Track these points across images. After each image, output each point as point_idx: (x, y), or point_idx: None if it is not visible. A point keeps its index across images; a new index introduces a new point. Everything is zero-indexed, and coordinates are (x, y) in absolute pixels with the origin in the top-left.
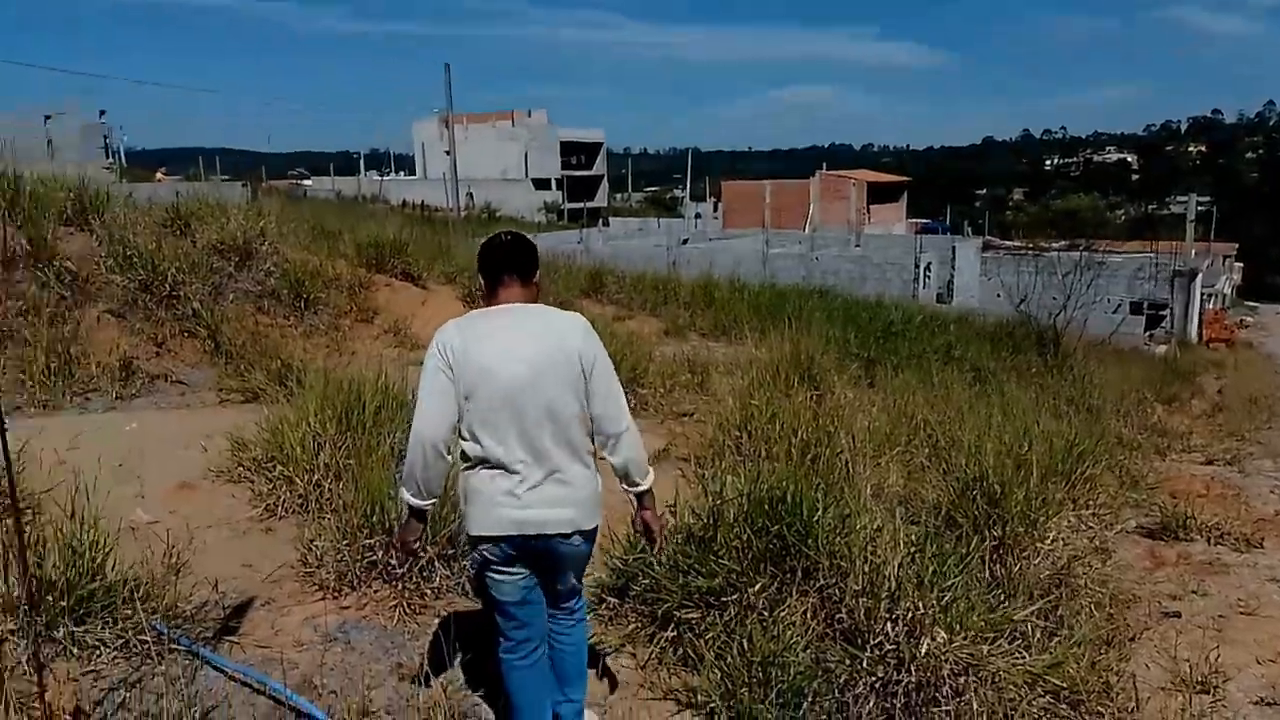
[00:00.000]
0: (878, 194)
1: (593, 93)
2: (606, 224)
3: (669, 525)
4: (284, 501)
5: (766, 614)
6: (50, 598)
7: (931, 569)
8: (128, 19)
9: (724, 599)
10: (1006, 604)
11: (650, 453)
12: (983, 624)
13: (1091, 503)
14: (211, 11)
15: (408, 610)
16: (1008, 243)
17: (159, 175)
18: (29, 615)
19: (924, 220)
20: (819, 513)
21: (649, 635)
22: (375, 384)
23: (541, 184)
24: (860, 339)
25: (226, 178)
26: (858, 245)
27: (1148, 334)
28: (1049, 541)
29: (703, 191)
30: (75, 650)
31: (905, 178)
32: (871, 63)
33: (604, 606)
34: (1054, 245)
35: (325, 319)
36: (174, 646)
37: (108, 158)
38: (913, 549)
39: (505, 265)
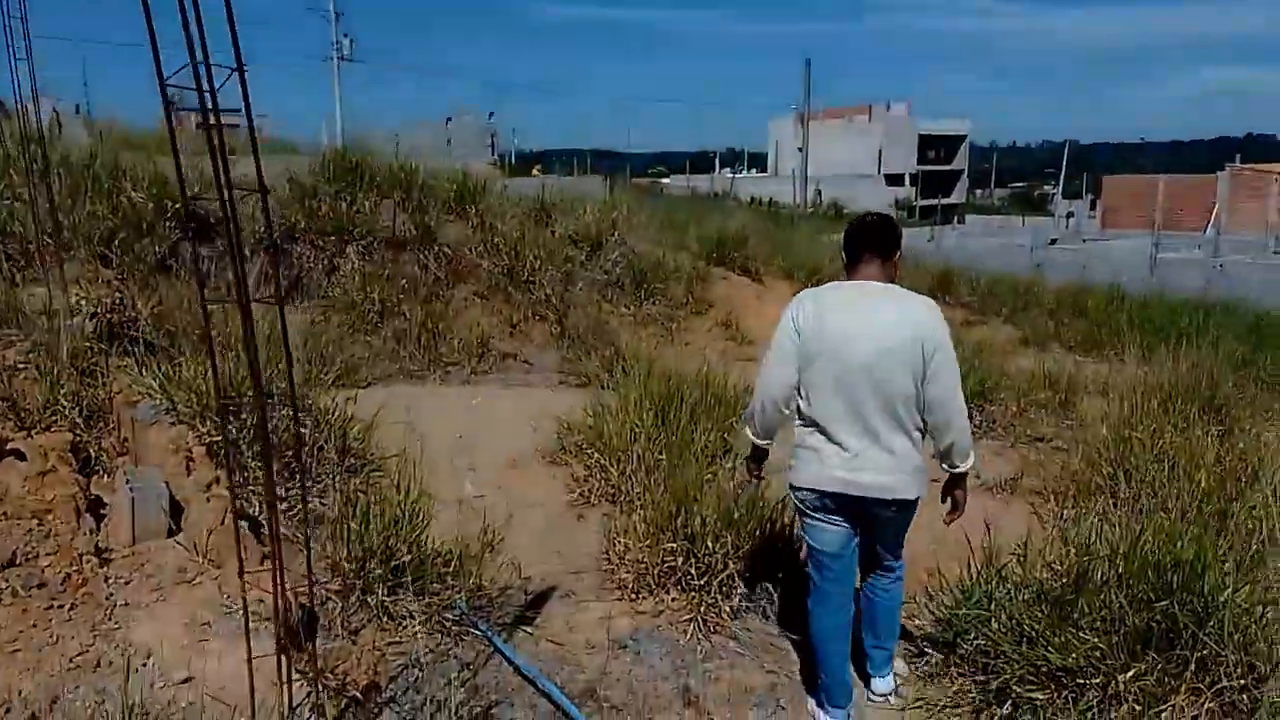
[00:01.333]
0: None
1: (960, 82)
2: (962, 221)
3: (1016, 575)
4: (598, 489)
5: (1139, 708)
6: (370, 564)
7: None
8: (533, 31)
9: (1082, 681)
10: None
11: (997, 480)
12: None
13: None
14: (606, 24)
15: (703, 626)
16: None
17: (534, 171)
18: (351, 579)
19: None
20: (1227, 590)
21: (974, 707)
22: (696, 379)
23: (895, 180)
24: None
25: (593, 175)
26: (1278, 251)
27: None
28: None
29: (1078, 189)
30: (385, 620)
31: None
32: None
33: (926, 662)
34: None
35: (662, 309)
36: (472, 630)
37: (493, 155)
38: None
39: (867, 241)
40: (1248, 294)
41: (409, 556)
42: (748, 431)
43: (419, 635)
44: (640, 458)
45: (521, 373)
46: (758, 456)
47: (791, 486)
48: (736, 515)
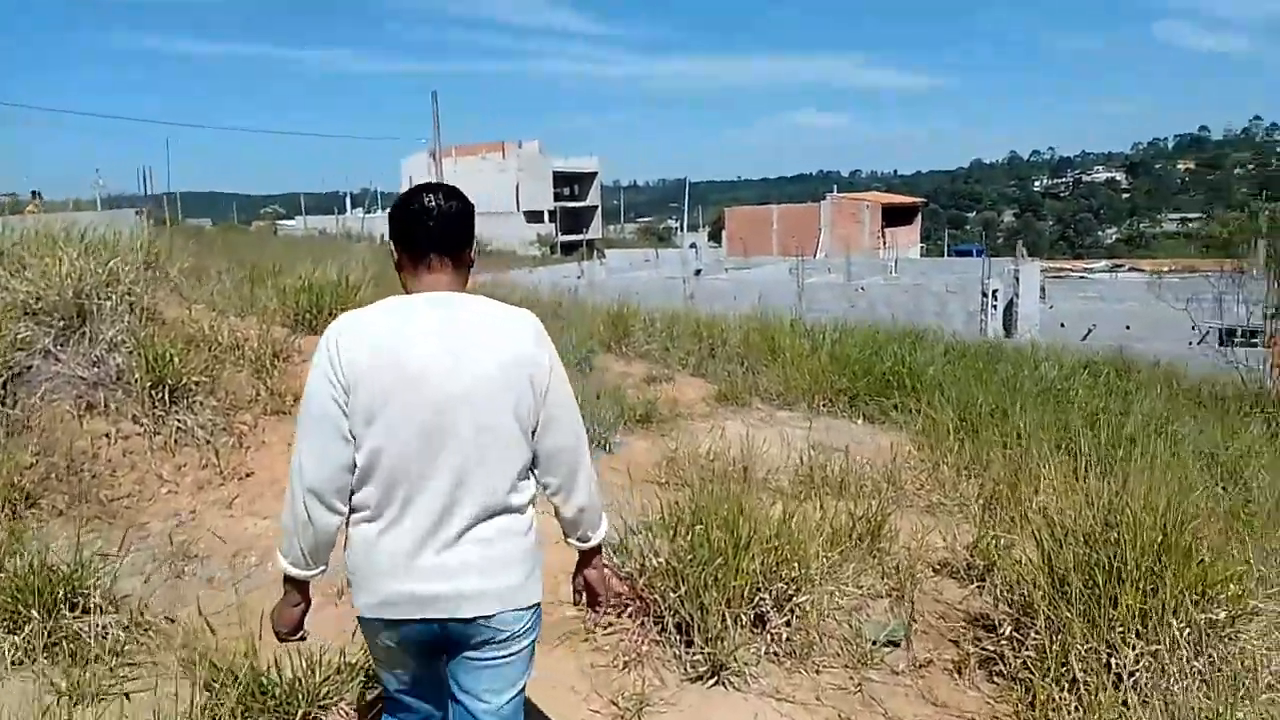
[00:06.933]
0: (890, 217)
1: (581, 124)
2: (603, 256)
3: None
4: None
5: None
6: None
7: None
8: (120, 58)
9: None
10: None
11: None
12: None
13: None
14: (217, 58)
15: None
16: (1053, 264)
17: (30, 208)
18: None
19: (924, 243)
20: None
21: None
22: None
23: (534, 216)
24: (1020, 407)
25: (125, 210)
26: (895, 272)
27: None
28: None
29: (696, 221)
30: None
31: (919, 199)
32: (858, 89)
33: None
34: (1096, 266)
35: (207, 416)
36: None
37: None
38: None
39: (432, 240)
40: (889, 314)
41: None
42: (284, 562)
43: None
44: None
45: None
46: (294, 602)
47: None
48: None
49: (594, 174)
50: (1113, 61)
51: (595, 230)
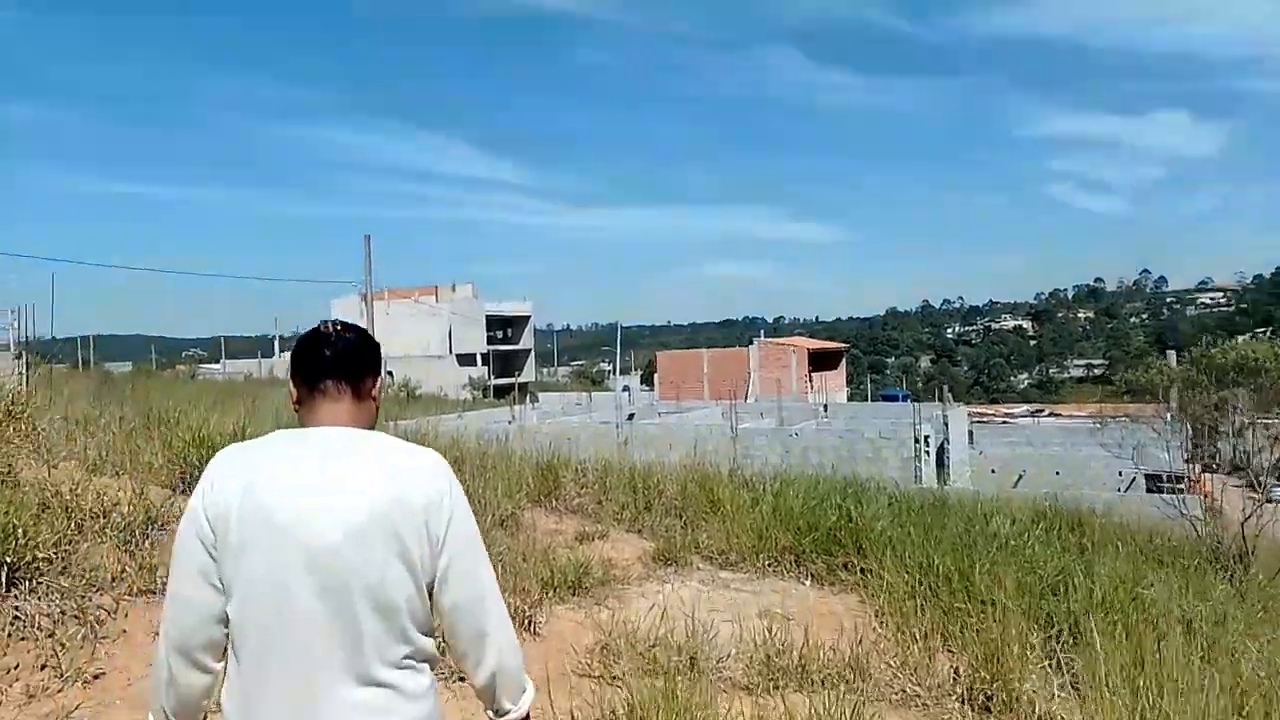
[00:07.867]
0: (816, 361)
1: (514, 270)
2: (536, 400)
3: None
4: None
5: None
6: None
7: None
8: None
9: None
10: None
11: None
12: None
13: None
14: (159, 202)
15: None
16: (974, 409)
17: None
18: None
19: (848, 387)
20: None
21: None
22: None
23: (467, 359)
24: (979, 569)
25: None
26: (826, 417)
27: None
28: None
29: (629, 365)
30: None
31: (844, 344)
32: (779, 240)
33: None
34: (1017, 411)
35: (54, 602)
36: None
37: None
38: None
39: (328, 365)
40: (824, 460)
41: None
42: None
43: None
44: None
45: None
46: None
47: None
48: None
49: (527, 317)
50: (1013, 218)
51: (528, 373)
